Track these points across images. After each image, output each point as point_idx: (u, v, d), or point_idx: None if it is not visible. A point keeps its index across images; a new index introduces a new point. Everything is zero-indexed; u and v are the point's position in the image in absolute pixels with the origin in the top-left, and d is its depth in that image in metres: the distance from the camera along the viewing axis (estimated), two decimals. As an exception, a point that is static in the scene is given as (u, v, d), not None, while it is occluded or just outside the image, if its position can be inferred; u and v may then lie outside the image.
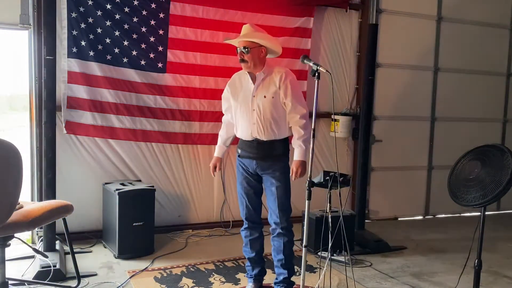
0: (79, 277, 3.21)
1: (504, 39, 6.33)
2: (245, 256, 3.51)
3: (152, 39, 4.49)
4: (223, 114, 3.51)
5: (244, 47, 3.19)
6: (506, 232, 5.46)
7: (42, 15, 3.89)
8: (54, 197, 3.78)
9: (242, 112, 3.27)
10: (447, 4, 5.85)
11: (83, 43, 4.26)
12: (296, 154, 3.19)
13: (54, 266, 3.52)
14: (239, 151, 3.34)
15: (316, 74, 2.92)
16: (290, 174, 3.21)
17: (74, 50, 4.25)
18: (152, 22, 4.48)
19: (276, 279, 3.40)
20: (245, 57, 3.20)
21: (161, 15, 4.50)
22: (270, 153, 3.22)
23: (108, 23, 4.32)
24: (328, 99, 4.99)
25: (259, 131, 3.21)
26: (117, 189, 4.06)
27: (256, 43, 3.19)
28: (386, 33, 5.40)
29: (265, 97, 3.20)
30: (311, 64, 3.02)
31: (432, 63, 5.91)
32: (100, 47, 4.32)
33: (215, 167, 3.42)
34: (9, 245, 2.77)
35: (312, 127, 2.92)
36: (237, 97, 3.31)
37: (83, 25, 4.24)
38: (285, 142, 3.30)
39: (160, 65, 4.56)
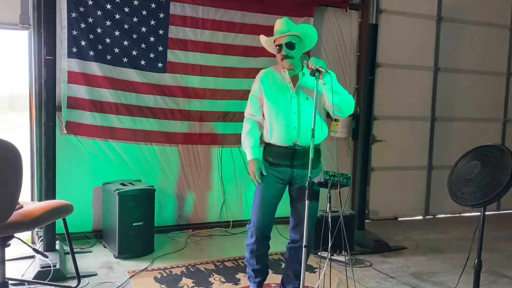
0: (79, 277, 3.21)
1: (504, 39, 6.33)
2: (247, 264, 3.32)
3: (152, 39, 4.49)
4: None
5: (290, 43, 2.96)
6: (506, 232, 5.46)
7: (42, 15, 3.89)
8: (54, 197, 3.78)
9: (280, 115, 3.00)
10: (447, 4, 5.86)
11: (83, 43, 4.26)
12: None
13: (54, 266, 3.52)
14: (270, 158, 3.07)
15: (316, 74, 2.84)
16: None
17: (74, 50, 4.24)
18: (152, 22, 4.48)
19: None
20: (291, 53, 2.97)
21: (161, 15, 4.50)
22: (308, 160, 2.84)
23: (108, 23, 4.32)
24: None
25: (300, 136, 2.98)
26: (117, 189, 4.06)
27: (299, 37, 3.00)
28: (386, 33, 5.40)
29: (307, 99, 2.98)
30: (311, 64, 2.99)
31: (432, 63, 5.91)
32: (100, 47, 4.32)
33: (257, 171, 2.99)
34: (9, 245, 2.77)
35: (312, 127, 2.80)
36: (274, 98, 3.03)
37: (83, 25, 4.24)
38: (319, 147, 3.11)
39: (160, 65, 4.56)
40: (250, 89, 3.19)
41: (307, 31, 3.05)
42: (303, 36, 3.02)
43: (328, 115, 3.17)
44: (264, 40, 3.13)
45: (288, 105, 3.01)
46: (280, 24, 3.03)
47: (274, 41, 3.05)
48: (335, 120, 5.29)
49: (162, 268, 3.89)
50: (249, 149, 3.06)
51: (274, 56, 3.22)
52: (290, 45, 2.98)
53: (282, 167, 3.05)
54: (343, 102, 2.98)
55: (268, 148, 3.12)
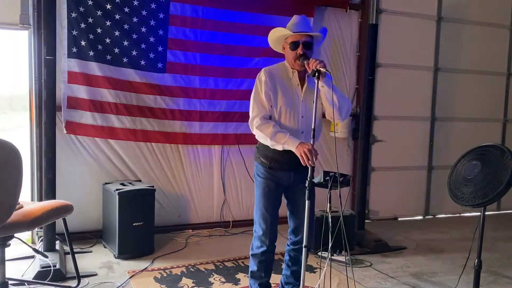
0: (79, 277, 3.21)
1: (504, 39, 6.33)
2: (249, 276, 3.15)
3: (152, 39, 4.49)
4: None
5: (308, 42, 2.83)
6: (506, 232, 5.45)
7: (42, 15, 3.89)
8: (54, 197, 3.78)
9: (288, 118, 2.89)
10: (447, 4, 5.86)
11: (83, 43, 4.26)
12: None
13: (54, 266, 3.52)
14: (270, 163, 2.94)
15: (316, 74, 2.76)
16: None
17: (74, 50, 4.25)
18: (152, 23, 4.48)
19: None
20: (308, 53, 2.83)
21: (161, 15, 4.50)
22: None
23: (108, 23, 4.32)
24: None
25: (305, 140, 2.83)
26: (117, 189, 4.06)
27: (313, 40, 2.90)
28: (386, 33, 5.40)
29: (313, 102, 2.79)
30: (311, 64, 2.96)
31: (432, 63, 5.91)
32: (100, 47, 4.32)
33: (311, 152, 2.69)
34: (9, 245, 2.78)
35: (312, 127, 2.77)
36: (280, 99, 2.88)
37: (83, 25, 4.24)
38: None
39: (160, 65, 4.56)
40: (253, 90, 2.96)
41: (321, 34, 2.94)
42: (316, 39, 2.95)
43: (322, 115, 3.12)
44: (276, 36, 2.99)
45: (297, 109, 2.91)
46: (300, 20, 2.93)
47: (287, 38, 2.92)
48: (335, 120, 5.29)
49: (162, 268, 3.89)
50: (289, 138, 2.79)
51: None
52: (308, 45, 2.88)
53: (283, 171, 2.96)
54: (341, 105, 2.91)
55: (268, 151, 2.94)
